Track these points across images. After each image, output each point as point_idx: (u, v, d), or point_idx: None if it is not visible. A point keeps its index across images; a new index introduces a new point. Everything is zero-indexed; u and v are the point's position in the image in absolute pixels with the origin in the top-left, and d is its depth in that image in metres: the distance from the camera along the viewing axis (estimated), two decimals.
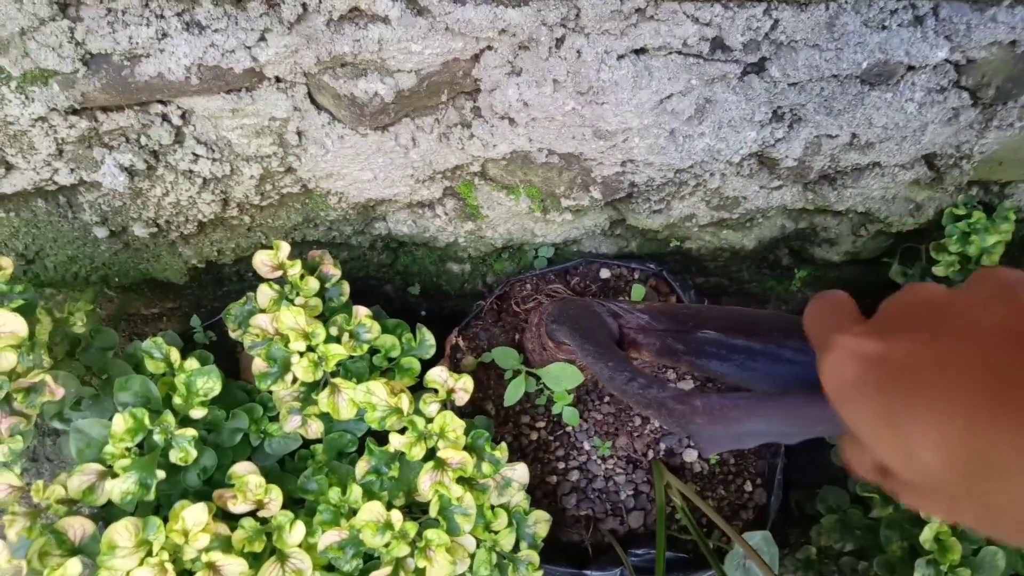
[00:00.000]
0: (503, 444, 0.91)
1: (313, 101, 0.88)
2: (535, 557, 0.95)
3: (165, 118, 0.88)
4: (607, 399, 1.15)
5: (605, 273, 1.23)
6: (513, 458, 1.07)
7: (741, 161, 1.03)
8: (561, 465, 1.13)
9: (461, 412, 1.11)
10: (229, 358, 1.17)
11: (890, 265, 1.35)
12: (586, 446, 1.13)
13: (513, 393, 1.02)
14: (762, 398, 0.46)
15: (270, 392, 0.97)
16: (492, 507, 0.93)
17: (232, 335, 1.00)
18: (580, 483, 1.12)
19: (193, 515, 0.81)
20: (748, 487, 1.14)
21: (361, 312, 0.96)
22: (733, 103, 0.90)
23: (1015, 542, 0.32)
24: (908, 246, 1.32)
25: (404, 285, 1.40)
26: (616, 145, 0.95)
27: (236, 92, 0.84)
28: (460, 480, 0.86)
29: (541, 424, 1.14)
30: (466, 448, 0.88)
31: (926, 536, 1.00)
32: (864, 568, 1.13)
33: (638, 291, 1.18)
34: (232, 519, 0.87)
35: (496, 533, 0.94)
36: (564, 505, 1.11)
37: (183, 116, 0.88)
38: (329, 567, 0.90)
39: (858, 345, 0.35)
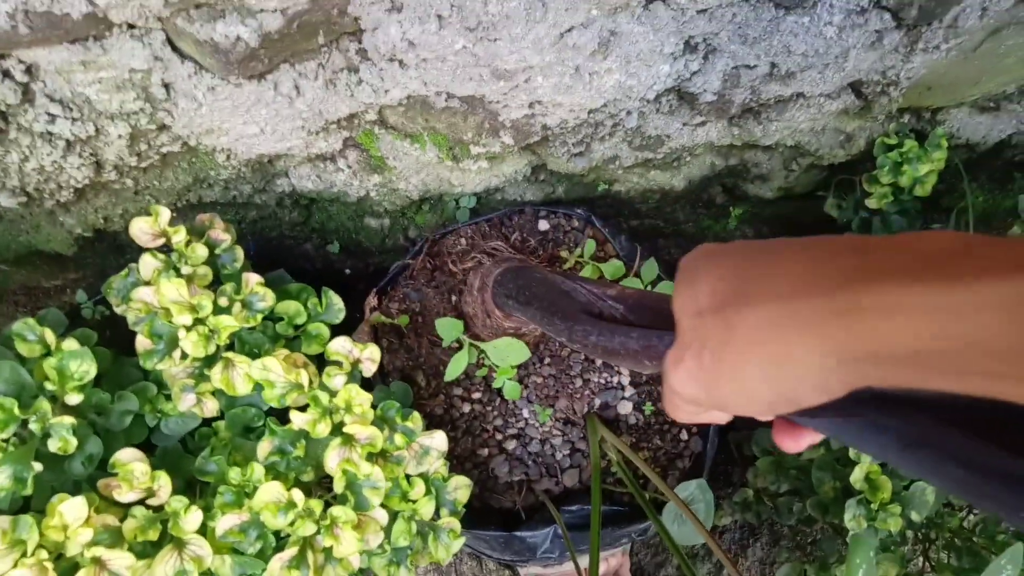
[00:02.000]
0: (415, 414, 0.86)
1: (175, 49, 0.79)
2: (456, 524, 0.92)
3: (7, 74, 0.78)
4: (547, 361, 1.10)
5: (544, 225, 1.15)
6: (445, 431, 1.02)
7: (658, 97, 0.96)
8: (498, 436, 1.08)
9: (381, 382, 1.05)
10: (129, 334, 1.09)
11: (825, 199, 1.31)
12: (525, 413, 1.08)
13: (455, 368, 0.96)
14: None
15: (159, 370, 0.90)
16: (408, 477, 0.89)
17: (117, 310, 0.93)
18: (516, 450, 1.07)
19: (72, 509, 0.75)
20: (684, 436, 1.12)
21: (252, 279, 0.89)
22: (640, 34, 0.83)
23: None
24: (842, 178, 1.27)
25: (323, 243, 1.32)
26: (518, 86, 0.87)
27: (82, 41, 0.75)
28: (371, 456, 0.81)
29: (477, 395, 1.08)
30: (377, 421, 0.83)
31: (856, 476, 0.98)
32: (799, 508, 1.12)
33: (590, 246, 1.11)
34: (124, 506, 0.81)
35: (414, 502, 0.90)
36: (496, 473, 1.07)
37: (28, 71, 0.79)
38: (239, 550, 0.85)
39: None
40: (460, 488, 0.93)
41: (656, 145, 1.09)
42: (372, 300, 1.07)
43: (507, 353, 0.81)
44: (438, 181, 1.14)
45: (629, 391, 1.09)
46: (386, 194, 1.15)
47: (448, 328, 0.91)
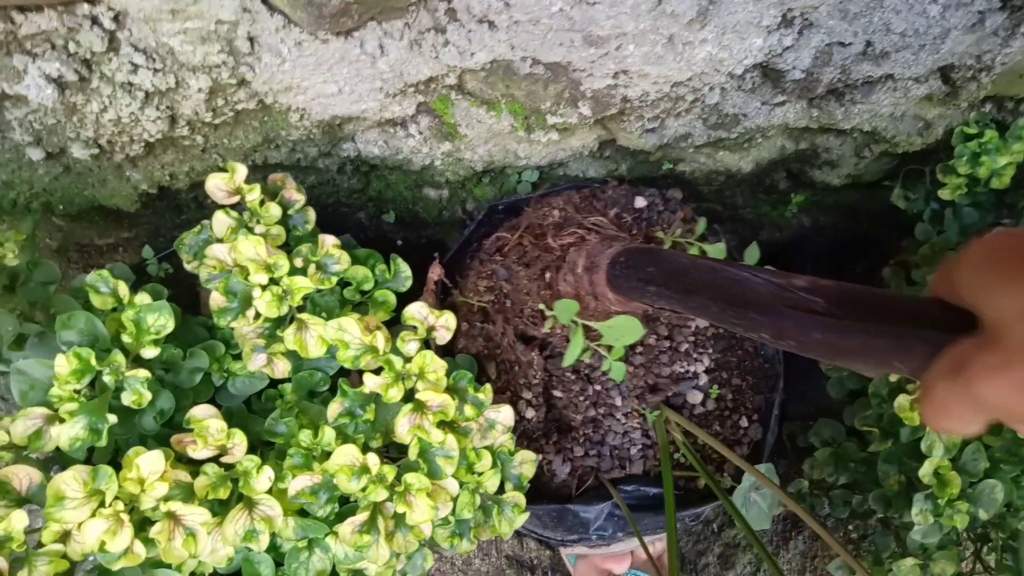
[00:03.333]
0: (487, 385, 0.85)
1: (265, 1, 0.77)
2: (521, 499, 0.91)
3: (95, 21, 0.77)
4: (639, 351, 1.07)
5: (640, 202, 1.09)
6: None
7: (744, 73, 0.94)
8: (584, 426, 1.05)
9: (447, 352, 1.04)
10: (189, 292, 1.08)
11: (891, 189, 1.28)
12: (617, 401, 1.04)
13: (574, 350, 0.88)
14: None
15: (231, 329, 0.89)
16: (475, 449, 0.88)
17: (187, 267, 0.92)
18: (595, 439, 1.05)
19: (149, 462, 0.74)
20: (744, 423, 1.10)
21: (328, 241, 0.88)
22: (740, 4, 0.80)
23: None
24: (912, 168, 1.24)
25: (378, 212, 1.31)
26: (608, 53, 0.85)
27: None
28: (440, 424, 0.80)
29: (571, 381, 1.04)
30: (447, 390, 0.81)
31: (925, 470, 0.96)
32: (858, 502, 1.10)
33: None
34: (194, 463, 0.81)
35: (480, 475, 0.88)
36: (571, 458, 1.05)
37: (116, 19, 0.77)
38: (302, 512, 0.84)
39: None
40: (526, 463, 0.92)
41: (732, 124, 1.06)
42: (436, 271, 1.05)
43: (622, 332, 0.78)
44: (504, 152, 1.12)
45: (703, 379, 1.07)
46: (451, 164, 1.13)
47: (565, 309, 0.86)
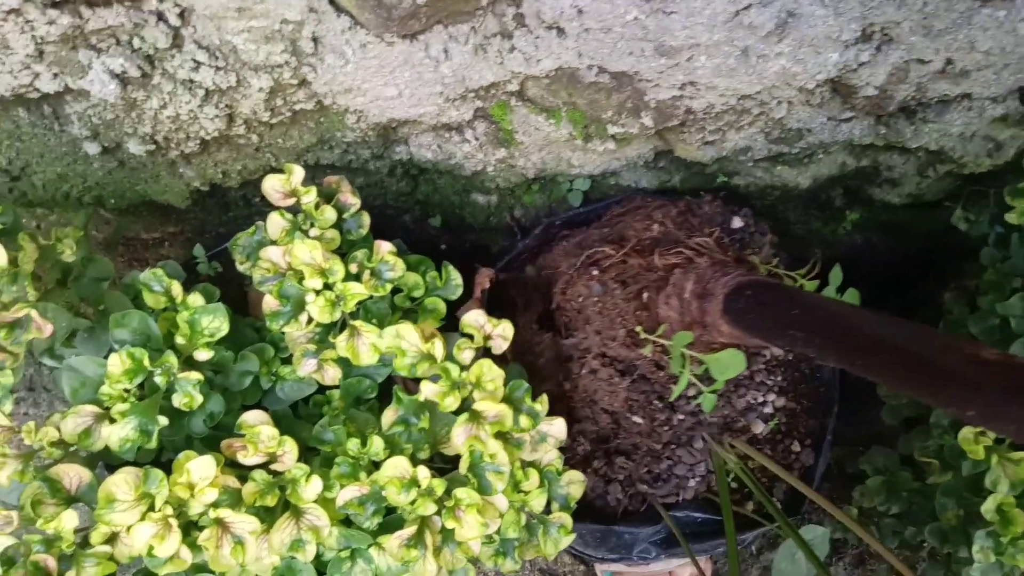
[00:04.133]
0: (544, 396, 0.83)
1: (332, 2, 0.76)
2: (567, 520, 0.88)
3: (161, 17, 0.76)
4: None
5: (737, 223, 1.04)
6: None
7: (815, 88, 0.91)
8: (658, 455, 1.02)
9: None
10: (237, 291, 1.08)
11: (952, 210, 1.24)
12: (697, 432, 1.00)
13: (681, 384, 0.85)
14: None
15: (282, 332, 0.88)
16: (523, 465, 0.86)
17: (239, 267, 0.91)
18: (657, 464, 1.01)
19: (200, 468, 0.73)
20: (796, 447, 1.07)
21: (384, 248, 0.86)
22: (820, 18, 0.77)
23: None
24: (975, 189, 1.20)
25: (424, 216, 1.29)
26: (678, 64, 0.83)
27: None
28: (497, 435, 0.78)
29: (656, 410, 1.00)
30: (503, 400, 0.80)
31: (988, 506, 0.92)
32: (911, 533, 1.07)
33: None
34: (241, 468, 0.80)
35: (526, 493, 0.86)
36: (629, 479, 1.03)
37: (181, 15, 0.76)
38: (346, 521, 0.83)
39: None
40: (573, 484, 0.90)
41: (794, 139, 1.03)
42: (485, 279, 1.03)
43: (728, 366, 0.75)
44: (557, 160, 1.10)
45: (769, 408, 1.03)
46: (503, 170, 1.11)
47: (681, 340, 0.83)
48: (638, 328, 0.94)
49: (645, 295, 0.95)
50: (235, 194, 1.15)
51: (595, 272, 0.98)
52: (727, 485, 0.87)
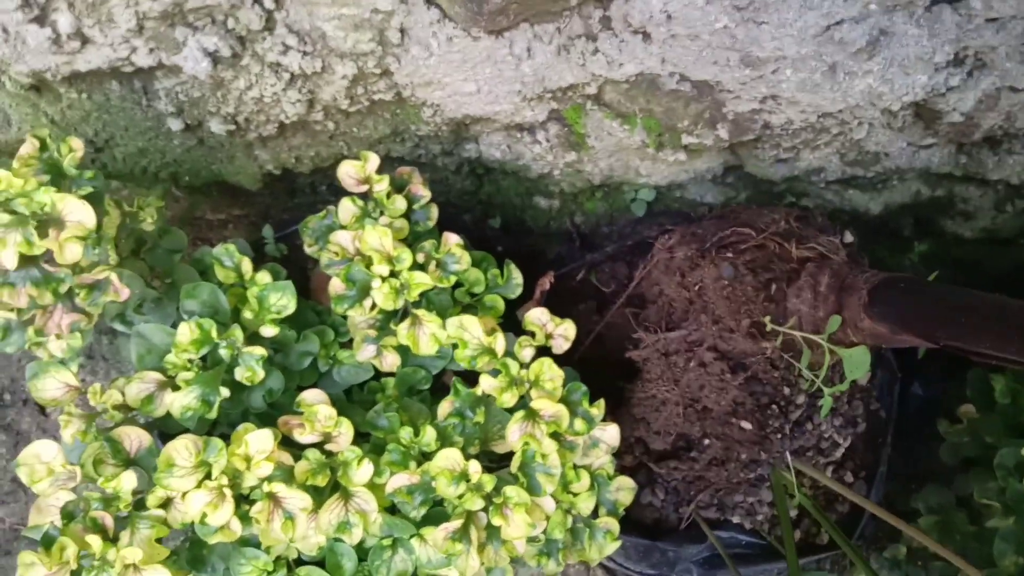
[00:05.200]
0: (601, 401, 0.82)
1: None
2: (615, 525, 0.87)
3: None
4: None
5: (849, 237, 1.01)
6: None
7: (899, 111, 0.89)
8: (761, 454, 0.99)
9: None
10: (300, 275, 1.09)
11: None
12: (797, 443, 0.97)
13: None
14: None
15: (344, 316, 0.89)
16: (575, 467, 0.85)
17: (307, 250, 0.92)
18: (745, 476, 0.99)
19: (258, 441, 0.74)
20: (849, 478, 1.04)
21: (451, 240, 0.87)
22: (913, 38, 0.76)
23: None
24: None
25: (484, 216, 1.29)
26: (763, 76, 0.82)
27: None
28: (551, 436, 0.78)
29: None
30: (560, 401, 0.79)
31: None
32: None
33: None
34: (294, 447, 0.80)
35: (576, 495, 0.86)
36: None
37: None
38: (391, 509, 0.83)
39: None
40: (623, 490, 0.89)
41: (871, 163, 1.01)
42: (547, 281, 1.03)
43: (860, 363, 0.74)
44: (625, 168, 1.09)
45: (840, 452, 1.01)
46: (569, 174, 1.11)
47: (834, 323, 0.79)
48: (765, 319, 0.89)
49: (774, 286, 0.91)
50: (303, 180, 1.17)
51: (729, 254, 0.94)
52: (787, 509, 0.84)
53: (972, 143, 0.96)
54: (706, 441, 0.99)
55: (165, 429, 0.90)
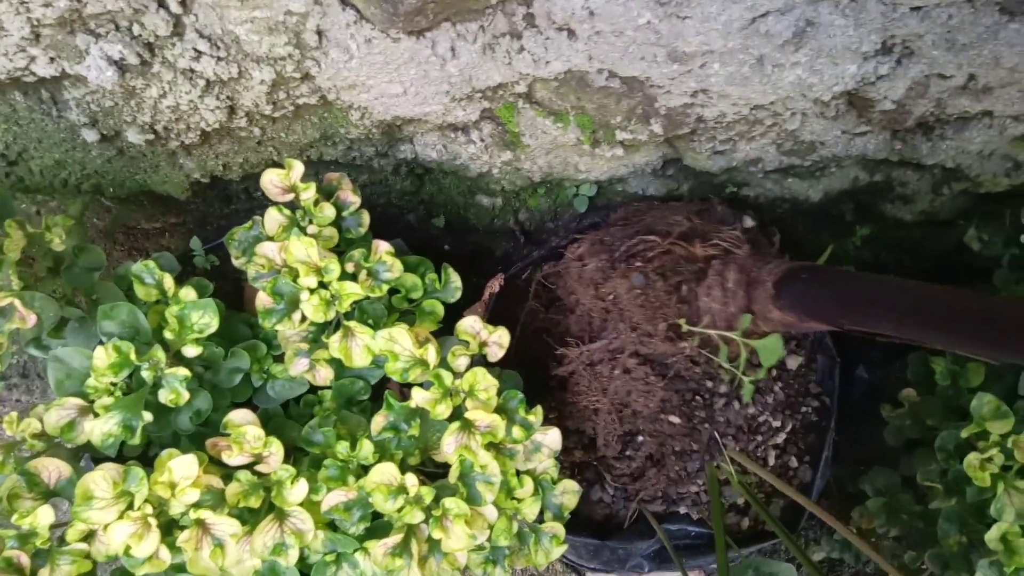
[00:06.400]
0: (538, 408, 0.81)
1: None
2: (560, 529, 0.86)
3: (162, 3, 0.74)
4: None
5: (749, 222, 1.04)
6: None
7: (830, 100, 0.88)
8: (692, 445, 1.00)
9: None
10: (233, 286, 1.06)
11: (965, 229, 1.21)
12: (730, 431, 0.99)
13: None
14: None
15: (275, 330, 0.86)
16: (518, 473, 0.84)
17: (235, 262, 0.89)
18: (683, 471, 1.00)
19: (182, 467, 0.71)
20: (793, 463, 1.05)
21: (382, 248, 0.84)
22: (839, 28, 0.75)
23: None
24: (990, 209, 1.17)
25: (428, 216, 1.27)
26: (691, 71, 0.80)
27: None
28: (489, 445, 0.76)
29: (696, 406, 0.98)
30: (497, 409, 0.78)
31: (992, 535, 0.90)
32: (911, 558, 1.04)
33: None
34: (227, 467, 0.78)
35: (520, 501, 0.84)
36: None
37: (183, 3, 0.75)
38: (332, 525, 0.81)
39: None
40: (568, 493, 0.88)
41: (807, 152, 1.01)
42: (496, 284, 1.01)
43: (773, 351, 0.75)
44: (564, 165, 1.07)
45: (781, 437, 1.02)
46: (508, 172, 1.09)
47: (745, 321, 0.81)
48: (680, 320, 0.91)
49: (684, 288, 0.92)
50: (237, 187, 1.13)
51: (638, 263, 0.95)
52: (719, 496, 0.85)
53: (906, 129, 0.96)
54: (640, 438, 0.99)
55: (95, 454, 0.87)
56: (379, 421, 0.79)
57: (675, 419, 0.94)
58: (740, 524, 1.07)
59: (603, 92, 0.86)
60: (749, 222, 1.02)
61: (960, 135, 0.94)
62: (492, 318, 1.02)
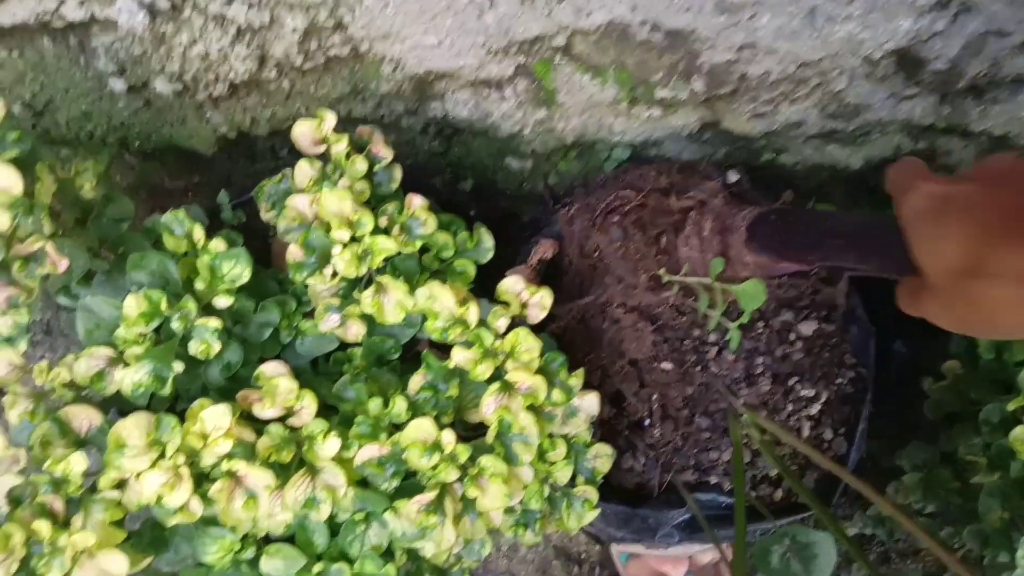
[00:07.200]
0: (580, 370, 0.79)
1: None
2: (592, 493, 0.85)
3: None
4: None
5: (733, 176, 1.05)
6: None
7: (880, 59, 0.85)
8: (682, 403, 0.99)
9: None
10: (260, 243, 1.04)
11: None
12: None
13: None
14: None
15: (305, 285, 0.85)
16: (551, 436, 0.82)
17: (263, 216, 0.87)
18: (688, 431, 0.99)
19: (214, 416, 0.70)
20: (828, 435, 1.02)
21: (416, 202, 0.82)
22: None
23: (976, 334, 0.52)
24: None
25: (455, 179, 1.25)
26: (739, 23, 0.77)
27: None
28: (529, 408, 0.74)
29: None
30: (538, 372, 0.76)
31: None
32: (948, 534, 1.02)
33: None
34: (257, 421, 0.77)
35: (552, 464, 0.83)
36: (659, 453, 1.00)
37: None
38: (363, 483, 0.80)
39: (930, 187, 0.50)
40: (601, 457, 0.86)
41: (851, 115, 0.98)
42: (549, 249, 1.00)
43: (754, 296, 0.73)
44: (598, 126, 1.05)
45: (815, 408, 1.00)
46: (540, 133, 1.07)
47: (716, 267, 0.81)
48: (660, 271, 0.93)
49: (663, 239, 0.94)
50: (263, 144, 1.12)
51: (615, 219, 0.97)
52: (742, 462, 0.83)
53: (956, 92, 0.93)
54: (647, 402, 0.98)
55: (122, 406, 0.86)
56: (417, 380, 0.78)
57: (667, 365, 0.95)
58: (773, 496, 1.05)
59: (644, 46, 0.84)
60: (733, 176, 1.04)
61: (1014, 99, 0.90)
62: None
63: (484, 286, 0.90)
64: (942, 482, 1.03)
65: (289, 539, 0.84)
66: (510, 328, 0.78)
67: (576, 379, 0.79)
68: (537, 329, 0.82)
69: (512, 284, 0.79)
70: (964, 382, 1.01)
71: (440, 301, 0.76)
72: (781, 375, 1.00)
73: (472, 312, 0.76)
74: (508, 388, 0.75)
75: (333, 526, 0.85)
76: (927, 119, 0.99)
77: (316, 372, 0.90)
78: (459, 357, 0.75)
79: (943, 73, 0.86)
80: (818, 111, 0.98)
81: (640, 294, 0.92)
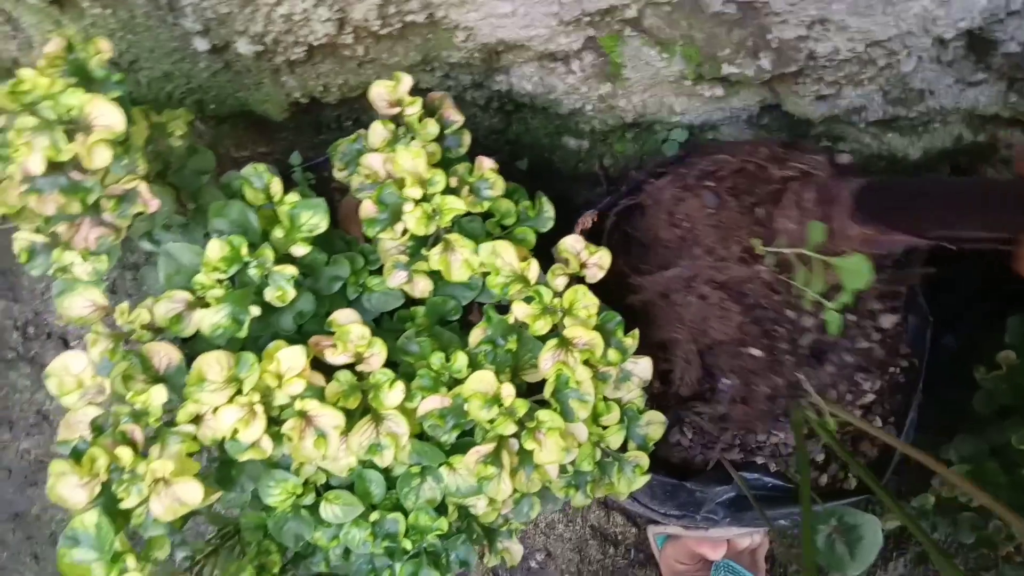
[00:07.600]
0: (635, 331, 0.80)
1: None
2: (644, 459, 0.86)
3: None
4: None
5: (845, 158, 1.00)
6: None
7: (951, 40, 0.86)
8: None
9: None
10: (328, 205, 1.07)
11: None
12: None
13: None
14: None
15: (372, 242, 0.87)
16: (605, 399, 0.84)
17: (337, 175, 0.90)
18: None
19: (290, 357, 0.73)
20: (877, 423, 1.02)
21: (486, 164, 0.84)
22: None
23: None
24: None
25: (512, 158, 1.27)
26: None
27: None
28: (585, 364, 0.76)
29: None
30: (595, 329, 0.77)
31: None
32: (995, 528, 1.01)
33: None
34: (325, 370, 0.79)
35: (605, 428, 0.84)
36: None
37: None
38: (421, 435, 0.82)
39: None
40: (653, 424, 0.88)
41: (914, 101, 0.98)
42: (588, 217, 1.00)
43: (858, 273, 0.71)
44: (659, 105, 1.06)
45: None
46: (601, 110, 1.08)
47: (816, 230, 0.77)
48: (755, 241, 0.89)
49: (759, 210, 0.90)
50: (329, 114, 1.15)
51: (710, 183, 0.94)
52: (804, 444, 0.83)
53: None
54: (726, 380, 0.97)
55: (192, 353, 0.89)
56: (477, 334, 0.80)
57: (756, 351, 0.92)
58: (818, 480, 1.05)
59: (716, 19, 0.85)
60: (845, 158, 0.98)
61: None
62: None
63: (536, 254, 0.92)
64: (990, 475, 1.02)
65: (348, 488, 0.87)
66: (567, 287, 0.80)
67: (632, 339, 0.80)
68: (615, 301, 0.82)
69: (572, 243, 0.81)
70: (1020, 373, 1.00)
71: (503, 257, 0.78)
72: (849, 364, 1.00)
73: (533, 269, 0.78)
74: (566, 344, 0.77)
75: (389, 479, 0.88)
76: (992, 107, 0.99)
77: (380, 328, 0.93)
78: (519, 311, 0.77)
79: (1015, 56, 0.86)
80: (881, 96, 0.98)
81: (731, 267, 0.90)
